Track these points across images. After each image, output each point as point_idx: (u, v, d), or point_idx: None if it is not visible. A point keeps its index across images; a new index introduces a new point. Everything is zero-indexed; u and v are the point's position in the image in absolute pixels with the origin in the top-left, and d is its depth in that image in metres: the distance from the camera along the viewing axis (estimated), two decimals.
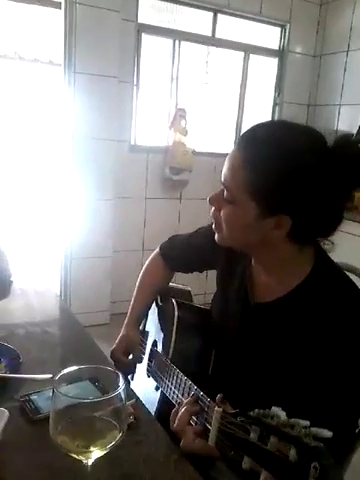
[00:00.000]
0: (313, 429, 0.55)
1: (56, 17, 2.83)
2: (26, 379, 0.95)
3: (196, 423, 0.81)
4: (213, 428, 0.72)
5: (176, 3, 3.29)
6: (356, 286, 0.85)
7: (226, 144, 3.67)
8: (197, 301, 1.23)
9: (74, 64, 2.81)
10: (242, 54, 3.62)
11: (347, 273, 0.89)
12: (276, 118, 3.74)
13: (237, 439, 0.64)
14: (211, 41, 3.49)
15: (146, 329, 1.28)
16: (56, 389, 0.60)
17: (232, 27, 3.53)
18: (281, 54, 3.76)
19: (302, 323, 0.84)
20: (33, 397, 0.89)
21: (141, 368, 1.21)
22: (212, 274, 1.11)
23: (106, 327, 3.06)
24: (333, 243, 0.88)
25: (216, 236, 0.91)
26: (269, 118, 3.81)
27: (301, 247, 0.85)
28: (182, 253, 1.22)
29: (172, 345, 1.04)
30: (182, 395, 0.91)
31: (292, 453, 0.55)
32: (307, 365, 0.81)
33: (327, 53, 3.74)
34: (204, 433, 0.77)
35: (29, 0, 2.85)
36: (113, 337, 1.26)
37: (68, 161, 2.94)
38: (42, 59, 3.07)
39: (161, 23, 3.27)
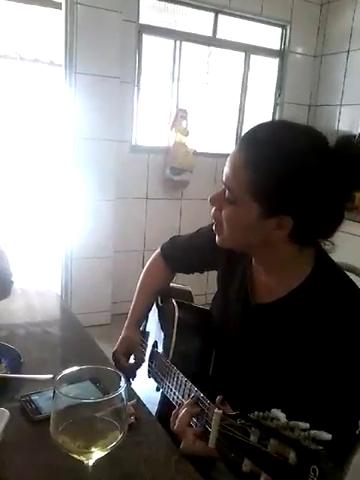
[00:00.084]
0: (313, 432, 0.55)
1: (57, 17, 2.83)
2: (27, 379, 0.95)
3: (196, 425, 0.81)
4: (213, 430, 0.72)
5: (177, 4, 3.29)
6: (356, 287, 0.85)
7: (227, 144, 3.67)
8: (198, 302, 1.23)
9: (75, 64, 2.81)
10: (243, 54, 3.62)
11: (347, 273, 0.89)
12: (277, 118, 3.74)
13: (237, 441, 0.64)
14: (212, 41, 3.49)
15: (147, 330, 1.28)
16: (57, 389, 0.60)
17: (233, 27, 3.53)
18: (282, 54, 3.76)
19: (302, 324, 0.84)
20: (34, 397, 0.89)
21: (142, 369, 1.21)
22: (213, 275, 1.11)
23: (107, 327, 3.06)
24: (333, 244, 0.88)
25: (217, 238, 0.91)
26: (270, 118, 3.81)
27: (301, 247, 0.85)
28: (183, 254, 1.22)
29: (172, 346, 1.04)
30: (182, 396, 0.91)
31: (292, 456, 0.55)
32: (307, 366, 0.81)
33: (328, 53, 3.74)
34: (204, 435, 0.76)
35: (30, 0, 2.86)
36: (114, 337, 1.26)
37: (69, 161, 2.95)
38: (43, 59, 3.07)
39: (162, 24, 3.27)
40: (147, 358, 1.20)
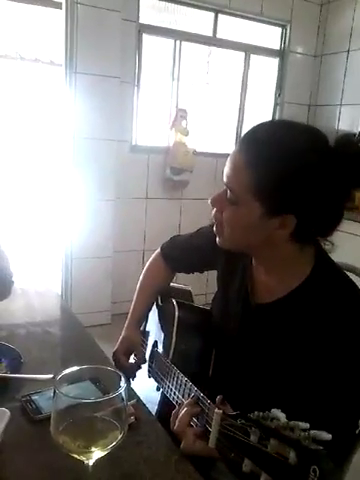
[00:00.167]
0: (313, 432, 0.55)
1: (57, 17, 2.83)
2: (27, 379, 0.96)
3: (196, 424, 0.81)
4: (213, 430, 0.72)
5: (177, 3, 3.29)
6: (356, 286, 0.85)
7: (227, 144, 3.67)
8: (198, 302, 1.23)
9: (75, 64, 2.81)
10: (243, 54, 3.62)
11: (347, 273, 0.89)
12: (277, 118, 3.74)
13: (237, 441, 0.64)
14: (212, 41, 3.49)
15: (147, 329, 1.28)
16: (57, 389, 0.60)
17: (233, 27, 3.53)
18: (282, 54, 3.76)
19: (302, 324, 0.84)
20: (34, 397, 0.89)
21: (142, 369, 1.21)
22: (213, 275, 1.11)
23: (107, 327, 3.06)
24: (333, 244, 0.88)
25: (217, 239, 0.91)
26: (270, 118, 3.80)
27: (302, 247, 0.85)
28: (183, 253, 1.22)
29: (172, 346, 1.04)
30: (182, 396, 0.91)
31: (292, 456, 0.55)
32: (307, 366, 0.81)
33: (328, 53, 3.74)
34: (204, 435, 0.76)
35: (30, 0, 2.86)
36: (114, 337, 1.26)
37: (69, 161, 2.95)
38: (43, 59, 3.07)
39: (162, 23, 3.27)
40: (147, 358, 1.20)
